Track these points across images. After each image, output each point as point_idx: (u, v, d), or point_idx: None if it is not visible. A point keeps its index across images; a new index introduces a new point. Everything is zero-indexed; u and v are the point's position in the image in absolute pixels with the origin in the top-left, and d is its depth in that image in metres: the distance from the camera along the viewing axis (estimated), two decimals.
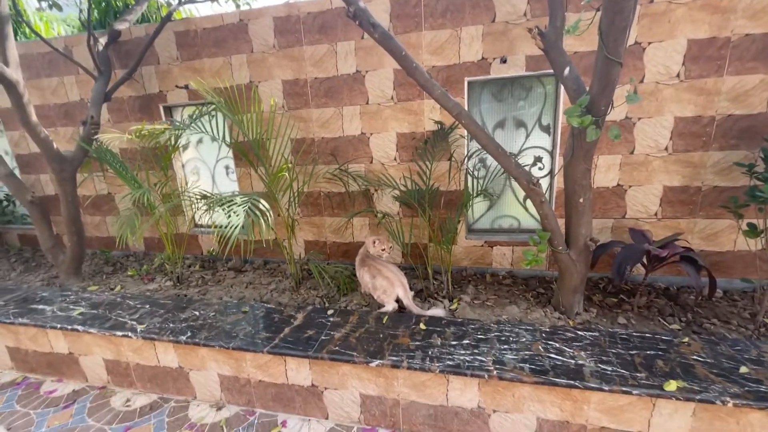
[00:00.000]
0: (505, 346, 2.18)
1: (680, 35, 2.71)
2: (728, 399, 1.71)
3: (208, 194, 3.08)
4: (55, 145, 3.43)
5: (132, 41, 3.82)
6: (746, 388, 1.77)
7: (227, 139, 3.21)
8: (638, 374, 1.89)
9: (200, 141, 4.10)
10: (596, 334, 2.25)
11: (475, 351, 2.15)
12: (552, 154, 3.25)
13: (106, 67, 3.66)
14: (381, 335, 2.37)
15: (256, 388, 2.46)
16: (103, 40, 3.69)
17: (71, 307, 2.99)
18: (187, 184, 4.17)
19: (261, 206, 2.61)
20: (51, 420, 2.52)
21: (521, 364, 2.01)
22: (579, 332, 2.28)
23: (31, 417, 2.56)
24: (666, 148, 2.92)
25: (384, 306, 2.79)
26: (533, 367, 1.99)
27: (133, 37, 3.81)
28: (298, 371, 2.33)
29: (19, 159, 4.63)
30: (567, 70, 2.25)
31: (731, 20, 2.62)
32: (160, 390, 2.70)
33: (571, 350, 2.11)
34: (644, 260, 2.65)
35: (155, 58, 3.79)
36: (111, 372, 2.78)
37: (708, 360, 1.98)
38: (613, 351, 2.08)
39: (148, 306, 2.93)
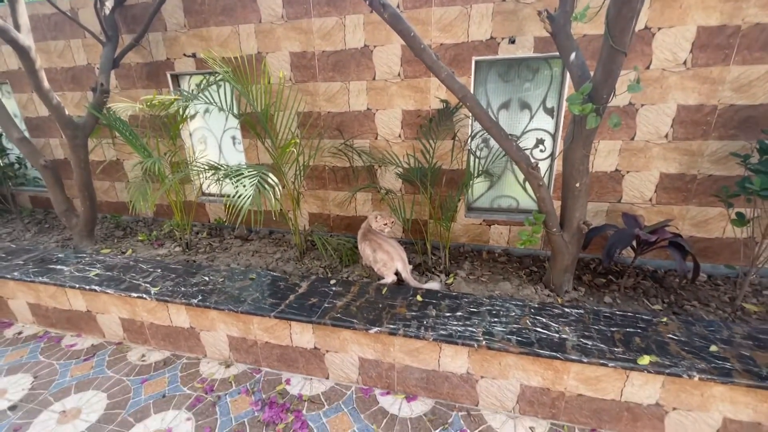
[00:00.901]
0: (496, 320, 2.33)
1: (691, 22, 2.69)
2: (695, 374, 1.87)
3: (217, 165, 3.16)
4: (67, 112, 3.48)
5: (138, 5, 3.77)
6: (713, 365, 1.92)
7: (235, 110, 3.25)
8: (616, 349, 2.05)
9: (207, 111, 4.13)
10: (581, 311, 2.40)
11: (467, 322, 2.31)
12: (554, 137, 3.30)
13: (114, 33, 3.65)
14: (380, 305, 2.53)
15: (263, 349, 2.65)
16: (109, 4, 3.65)
17: (87, 268, 3.15)
18: (194, 153, 4.23)
19: (270, 180, 2.70)
20: (73, 371, 2.74)
21: (509, 336, 2.17)
22: (566, 309, 2.43)
23: (55, 367, 2.78)
24: (666, 136, 2.97)
25: (384, 278, 2.94)
26: (520, 339, 2.15)
27: (140, 2, 3.76)
28: (302, 335, 2.51)
29: (28, 122, 4.67)
30: (573, 56, 2.27)
31: (743, 8, 2.59)
32: (172, 347, 2.90)
33: (557, 325, 2.27)
34: (634, 244, 2.77)
35: (162, 24, 3.77)
36: (127, 329, 2.97)
37: (682, 338, 2.13)
38: (596, 327, 2.24)
39: (159, 270, 3.09)
